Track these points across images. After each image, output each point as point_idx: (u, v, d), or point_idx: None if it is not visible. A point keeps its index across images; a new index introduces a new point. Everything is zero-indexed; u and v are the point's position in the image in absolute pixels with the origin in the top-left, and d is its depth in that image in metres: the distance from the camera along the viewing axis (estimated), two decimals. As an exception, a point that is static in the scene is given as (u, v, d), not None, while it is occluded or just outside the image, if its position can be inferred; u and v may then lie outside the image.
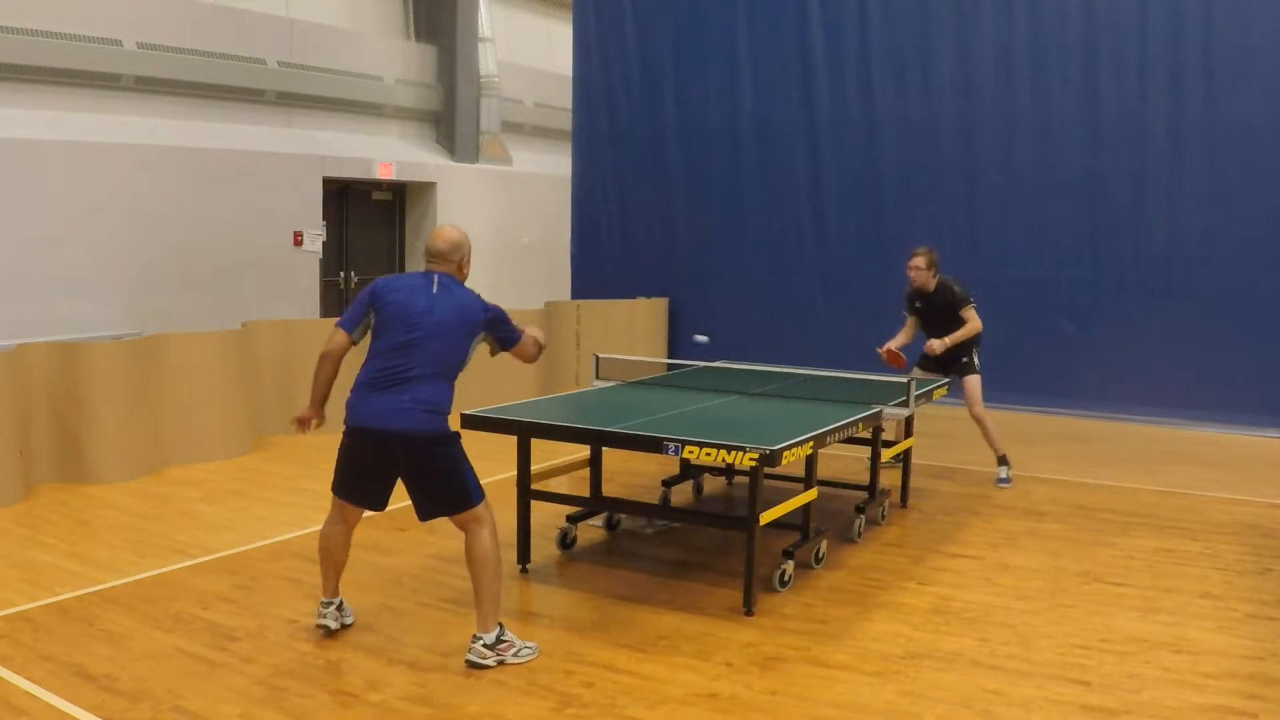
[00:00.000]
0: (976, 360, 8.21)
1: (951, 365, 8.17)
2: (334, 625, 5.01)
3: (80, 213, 10.35)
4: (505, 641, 4.72)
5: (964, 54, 10.52)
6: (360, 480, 4.90)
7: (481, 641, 4.67)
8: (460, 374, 4.94)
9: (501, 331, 5.01)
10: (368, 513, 5.04)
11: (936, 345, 8.02)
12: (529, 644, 4.82)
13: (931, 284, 8.16)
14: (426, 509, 4.82)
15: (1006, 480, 8.26)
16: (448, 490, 4.75)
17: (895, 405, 6.71)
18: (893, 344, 8.33)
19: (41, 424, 7.67)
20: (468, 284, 5.02)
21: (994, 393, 9.32)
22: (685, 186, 12.07)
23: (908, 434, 7.59)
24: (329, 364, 5.04)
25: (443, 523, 7.05)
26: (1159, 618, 5.39)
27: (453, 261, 4.91)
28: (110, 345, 8.14)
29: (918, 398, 6.94)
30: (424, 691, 4.44)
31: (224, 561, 6.11)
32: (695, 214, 12.04)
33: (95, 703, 4.23)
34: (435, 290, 4.82)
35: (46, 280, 10.01)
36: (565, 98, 13.25)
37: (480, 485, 4.79)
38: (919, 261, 8.12)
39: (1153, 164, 9.88)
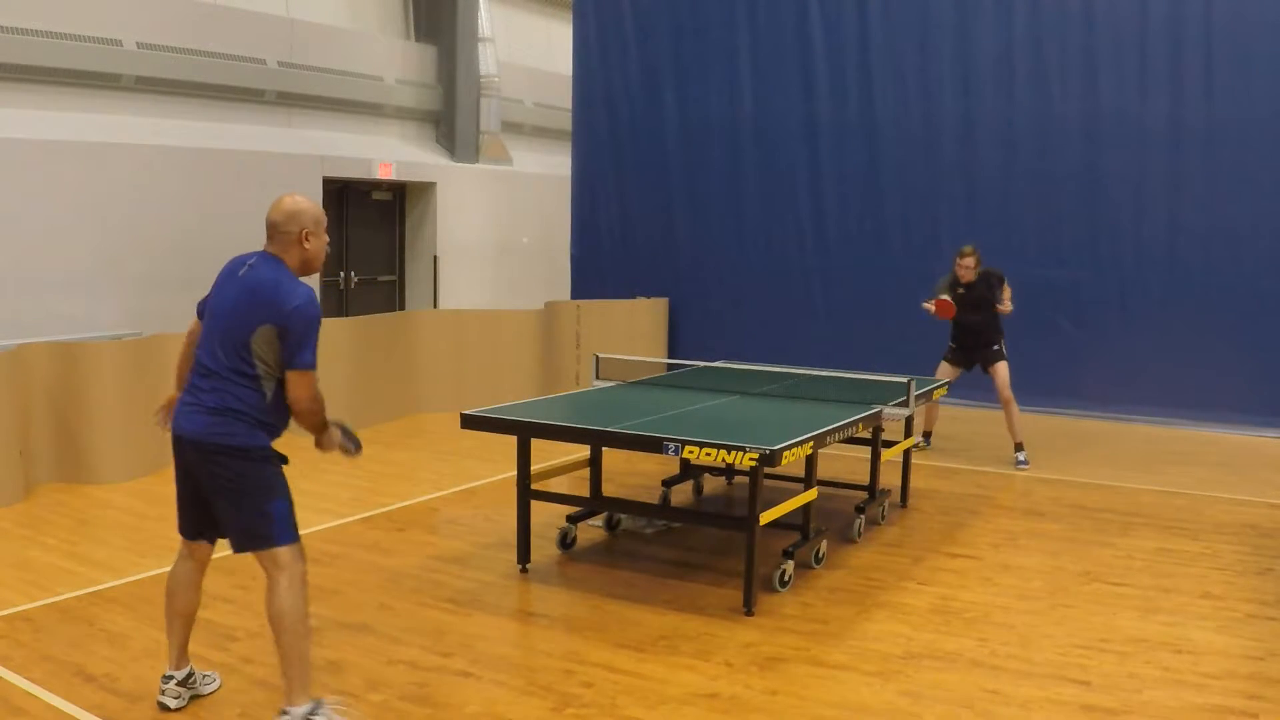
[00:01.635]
0: (1004, 347, 8.79)
1: (983, 352, 8.77)
2: (173, 704, 4.17)
3: (80, 213, 10.34)
4: (320, 718, 3.94)
5: (964, 54, 10.53)
6: (180, 501, 4.17)
7: (287, 717, 3.90)
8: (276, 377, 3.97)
9: (292, 344, 3.89)
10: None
11: (1007, 304, 8.69)
12: None
13: (974, 275, 8.76)
14: (229, 537, 4.09)
15: (1025, 462, 8.75)
16: (237, 518, 3.98)
17: (895, 405, 6.71)
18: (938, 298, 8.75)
19: (41, 424, 7.67)
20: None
21: (994, 393, 9.33)
22: (685, 186, 12.07)
23: (907, 434, 7.59)
24: (182, 348, 4.30)
25: (443, 523, 7.10)
26: (1159, 618, 5.39)
27: (290, 233, 4.00)
28: (110, 345, 8.14)
29: (918, 398, 6.94)
30: (424, 691, 4.44)
31: (223, 561, 6.07)
32: (695, 214, 12.05)
33: (95, 703, 4.23)
34: (241, 273, 4.01)
35: (46, 280, 10.01)
36: (565, 98, 13.25)
37: (291, 527, 4.00)
38: (970, 261, 8.74)
39: (1153, 164, 9.89)
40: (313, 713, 3.92)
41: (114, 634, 4.96)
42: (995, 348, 8.76)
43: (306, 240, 4.04)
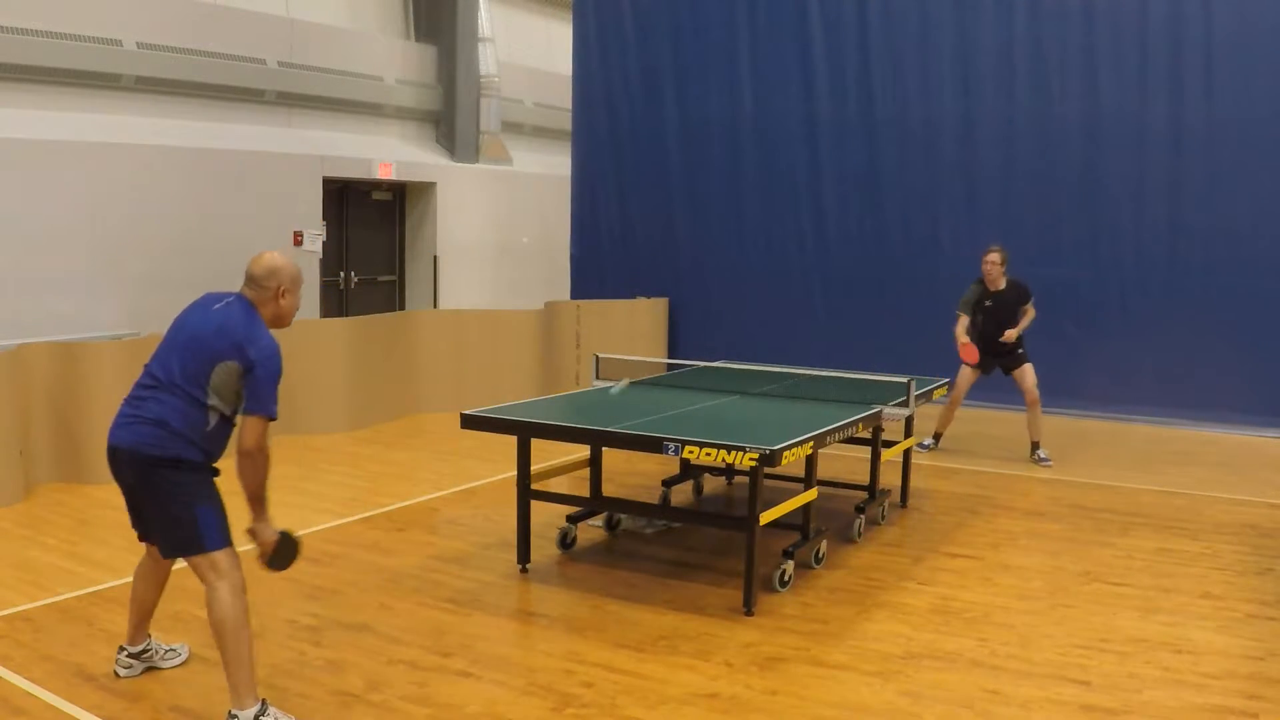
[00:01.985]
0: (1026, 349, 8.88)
1: (1008, 357, 8.80)
2: (122, 673, 4.46)
3: (80, 213, 10.35)
4: (267, 718, 4.01)
5: (963, 54, 10.54)
6: (127, 505, 4.29)
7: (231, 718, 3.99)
8: (218, 413, 4.11)
9: (252, 388, 4.04)
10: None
11: (1012, 334, 8.67)
12: None
13: (1002, 281, 8.72)
14: (159, 544, 4.22)
15: (1049, 459, 8.83)
16: (170, 525, 4.09)
17: (895, 405, 6.71)
18: (965, 339, 8.79)
19: (41, 424, 7.67)
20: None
21: (994, 393, 9.35)
22: (685, 186, 12.07)
23: (907, 434, 7.58)
24: None
25: (443, 523, 7.10)
26: (1159, 618, 5.39)
27: (267, 289, 4.16)
28: (110, 345, 8.14)
29: (917, 398, 6.94)
30: (424, 691, 4.44)
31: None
32: (695, 214, 12.05)
33: (95, 703, 4.23)
34: (216, 307, 4.17)
35: (46, 280, 10.01)
36: (565, 98, 13.25)
37: (221, 533, 4.08)
38: (995, 257, 8.70)
39: (1153, 164, 9.90)
40: (261, 713, 4.00)
41: (114, 634, 4.94)
42: (1020, 350, 8.80)
43: (282, 296, 4.21)
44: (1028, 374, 8.78)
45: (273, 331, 4.20)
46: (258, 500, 4.16)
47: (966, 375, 8.91)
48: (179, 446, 4.03)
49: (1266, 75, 9.41)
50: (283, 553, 4.29)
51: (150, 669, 4.52)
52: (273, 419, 4.07)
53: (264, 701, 4.05)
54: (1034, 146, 10.34)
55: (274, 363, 4.05)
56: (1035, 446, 8.92)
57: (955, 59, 10.59)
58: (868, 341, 10.67)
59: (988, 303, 8.75)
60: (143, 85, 11.20)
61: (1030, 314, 8.76)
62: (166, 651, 4.61)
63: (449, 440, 9.33)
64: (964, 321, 8.83)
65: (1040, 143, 10.31)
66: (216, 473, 4.20)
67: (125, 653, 4.49)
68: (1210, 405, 9.74)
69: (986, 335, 8.80)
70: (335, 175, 13.20)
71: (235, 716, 3.97)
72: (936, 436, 9.29)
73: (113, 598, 5.42)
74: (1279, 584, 5.93)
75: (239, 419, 4.09)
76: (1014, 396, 9.01)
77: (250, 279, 4.18)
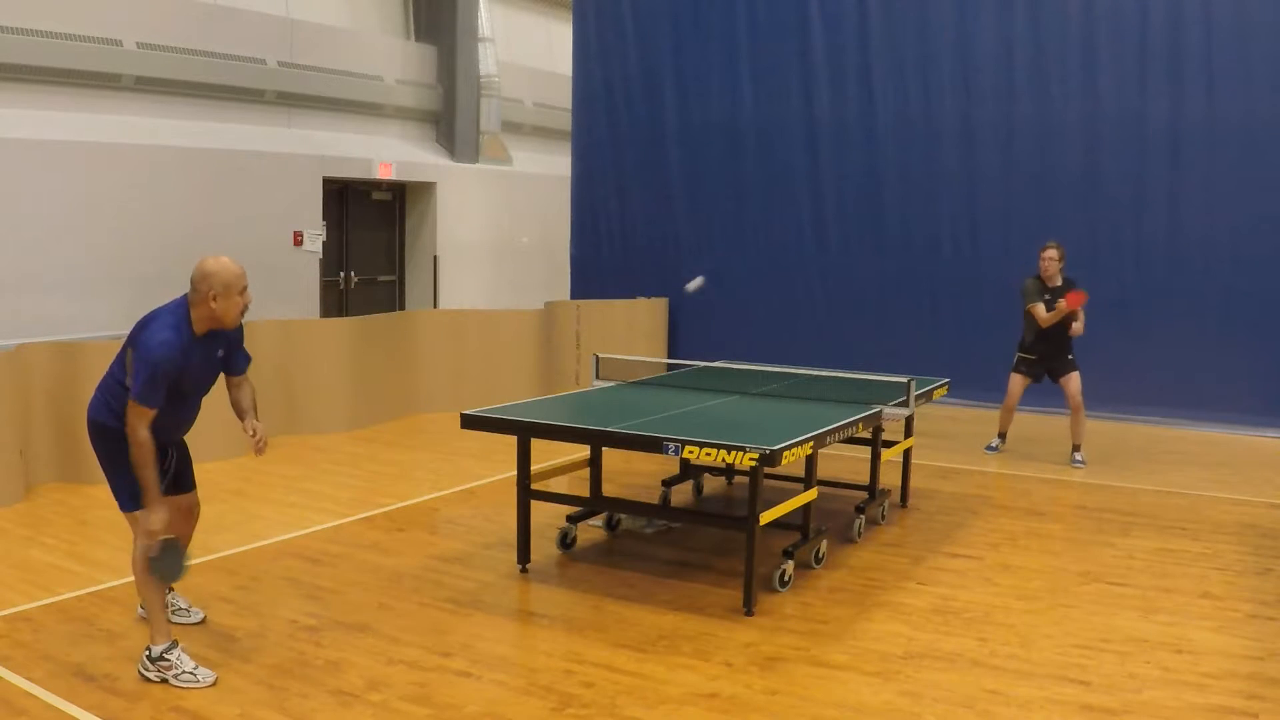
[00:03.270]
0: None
1: (1058, 361, 8.72)
2: (178, 619, 5.06)
3: (80, 213, 10.35)
4: (166, 661, 4.41)
5: (964, 54, 10.54)
6: None
7: (146, 653, 4.48)
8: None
9: (133, 374, 4.42)
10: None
11: (1079, 326, 8.51)
12: (201, 672, 4.43)
13: (1059, 278, 8.62)
14: None
15: (1083, 461, 8.78)
16: (110, 481, 4.65)
17: (895, 405, 6.71)
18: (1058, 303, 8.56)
19: (41, 424, 7.67)
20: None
21: (995, 394, 9.34)
22: (685, 186, 12.08)
23: (907, 434, 7.58)
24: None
25: (443, 523, 7.10)
26: (1159, 618, 5.39)
27: (199, 291, 4.48)
28: (110, 345, 8.06)
29: (917, 398, 6.94)
30: (424, 691, 4.44)
31: (223, 561, 6.11)
32: (695, 214, 12.05)
33: (95, 703, 4.23)
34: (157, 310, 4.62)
35: (47, 280, 10.01)
36: (565, 98, 13.25)
37: (133, 497, 4.49)
38: (1054, 253, 8.63)
39: (1153, 164, 9.90)
40: (167, 651, 4.45)
41: (114, 634, 4.95)
42: (1070, 356, 8.72)
43: (214, 300, 4.50)
44: (1075, 380, 8.69)
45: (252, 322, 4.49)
46: (141, 484, 4.44)
47: (1018, 383, 8.90)
48: (110, 417, 4.53)
49: (1267, 75, 9.41)
50: (165, 559, 4.52)
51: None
52: (143, 405, 4.35)
53: (175, 642, 4.51)
54: (1034, 147, 10.35)
55: (148, 351, 4.36)
56: (1076, 449, 8.86)
57: (955, 59, 10.59)
58: (868, 341, 10.68)
59: (1046, 297, 8.60)
60: (143, 85, 11.20)
61: (1081, 314, 8.57)
62: (178, 609, 5.09)
63: (449, 440, 9.33)
64: (1040, 305, 8.61)
65: (1040, 143, 10.32)
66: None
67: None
68: (1210, 405, 9.74)
69: (1042, 336, 8.66)
70: (335, 175, 13.21)
71: (148, 650, 4.47)
72: (1001, 436, 9.27)
73: (113, 597, 5.43)
74: (1279, 584, 5.93)
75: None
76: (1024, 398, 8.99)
77: (191, 280, 4.53)
